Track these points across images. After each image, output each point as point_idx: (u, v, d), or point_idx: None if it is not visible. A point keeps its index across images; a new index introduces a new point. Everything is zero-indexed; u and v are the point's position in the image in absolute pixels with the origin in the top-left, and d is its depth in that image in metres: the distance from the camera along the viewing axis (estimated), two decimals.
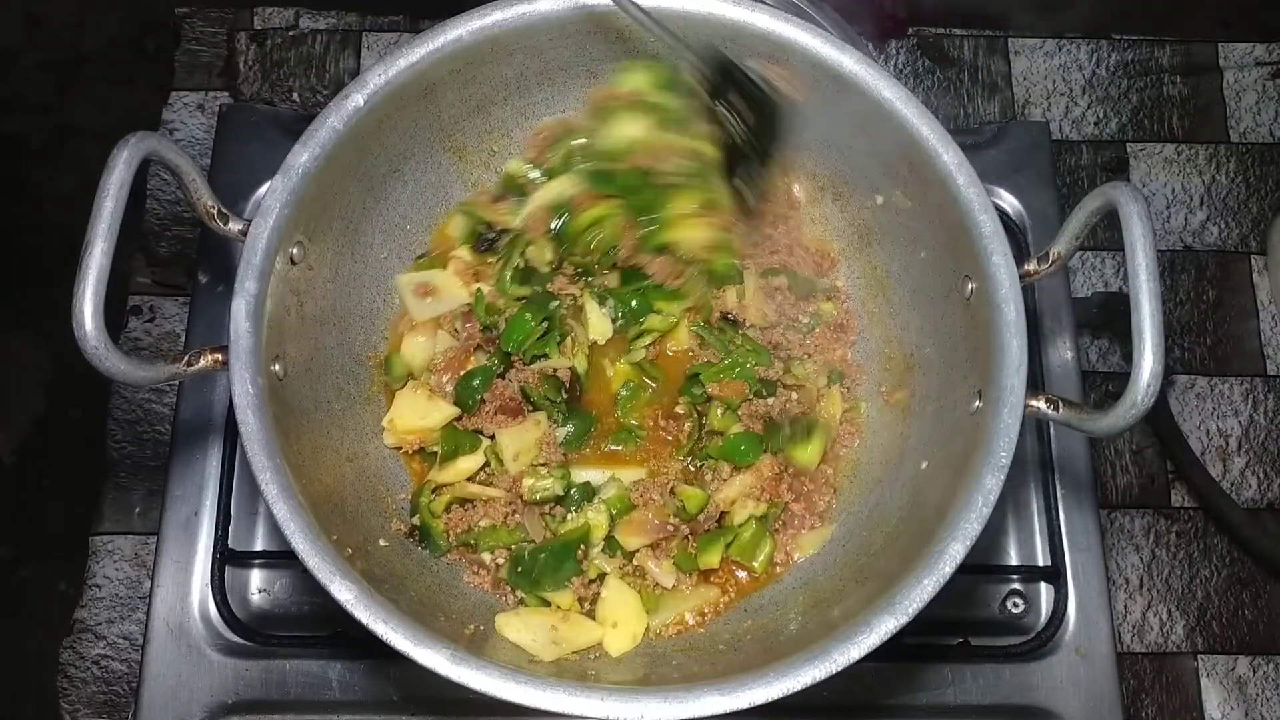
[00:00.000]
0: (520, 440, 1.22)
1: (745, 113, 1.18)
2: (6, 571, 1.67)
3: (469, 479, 1.23)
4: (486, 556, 1.22)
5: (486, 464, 1.24)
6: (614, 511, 1.21)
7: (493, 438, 1.24)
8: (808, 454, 1.25)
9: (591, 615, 1.18)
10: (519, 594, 1.20)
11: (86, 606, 1.50)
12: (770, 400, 1.28)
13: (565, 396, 1.25)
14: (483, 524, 1.22)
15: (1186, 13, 1.82)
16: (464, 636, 1.11)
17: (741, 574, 1.24)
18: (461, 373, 1.26)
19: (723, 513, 1.24)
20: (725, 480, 1.25)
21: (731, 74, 1.17)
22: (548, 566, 1.18)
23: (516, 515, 1.22)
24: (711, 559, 1.21)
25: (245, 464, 1.03)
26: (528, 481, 1.21)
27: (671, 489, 1.23)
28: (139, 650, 1.35)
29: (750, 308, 1.30)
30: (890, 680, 1.31)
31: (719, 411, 1.27)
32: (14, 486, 1.72)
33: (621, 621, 1.17)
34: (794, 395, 1.29)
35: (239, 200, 1.47)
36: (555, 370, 1.26)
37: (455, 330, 1.30)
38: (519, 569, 1.19)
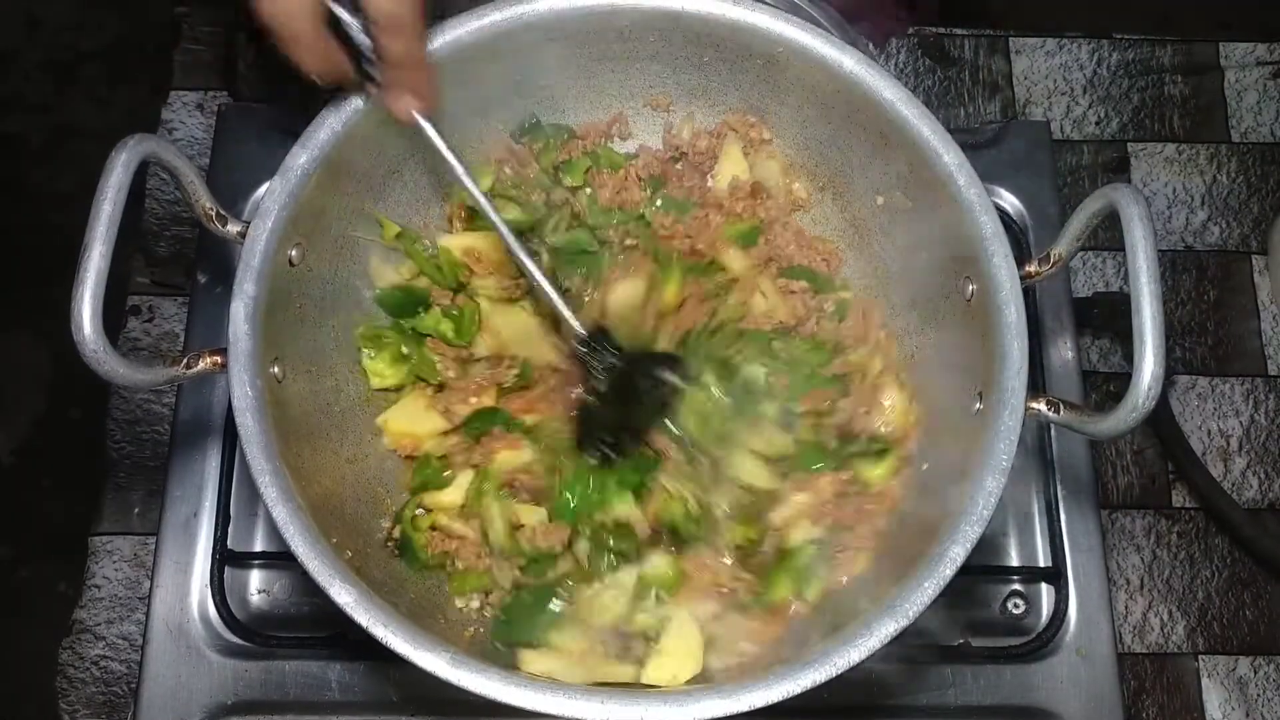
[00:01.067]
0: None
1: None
2: (6, 571, 1.67)
3: (453, 511, 1.20)
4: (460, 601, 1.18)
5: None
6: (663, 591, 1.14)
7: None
8: (877, 473, 1.20)
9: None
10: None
11: (86, 607, 1.50)
12: (844, 403, 1.24)
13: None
14: (458, 563, 1.17)
15: (1187, 12, 1.82)
16: (464, 639, 1.11)
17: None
18: (479, 405, 1.23)
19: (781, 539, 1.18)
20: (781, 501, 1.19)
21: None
22: (525, 613, 1.13)
23: (486, 559, 1.17)
24: (783, 591, 1.14)
25: (245, 465, 1.03)
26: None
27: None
28: (138, 651, 1.35)
29: (778, 309, 1.29)
30: (891, 681, 1.31)
31: (810, 426, 1.23)
32: (13, 486, 1.72)
33: (677, 664, 1.10)
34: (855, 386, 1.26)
35: (238, 201, 1.47)
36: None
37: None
38: (500, 619, 1.15)
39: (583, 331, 1.18)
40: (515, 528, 1.17)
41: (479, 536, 1.18)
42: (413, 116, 1.10)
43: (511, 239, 1.13)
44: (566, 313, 1.17)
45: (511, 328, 1.27)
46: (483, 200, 1.12)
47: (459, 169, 1.12)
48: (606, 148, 1.36)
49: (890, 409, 1.26)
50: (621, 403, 1.19)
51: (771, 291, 1.30)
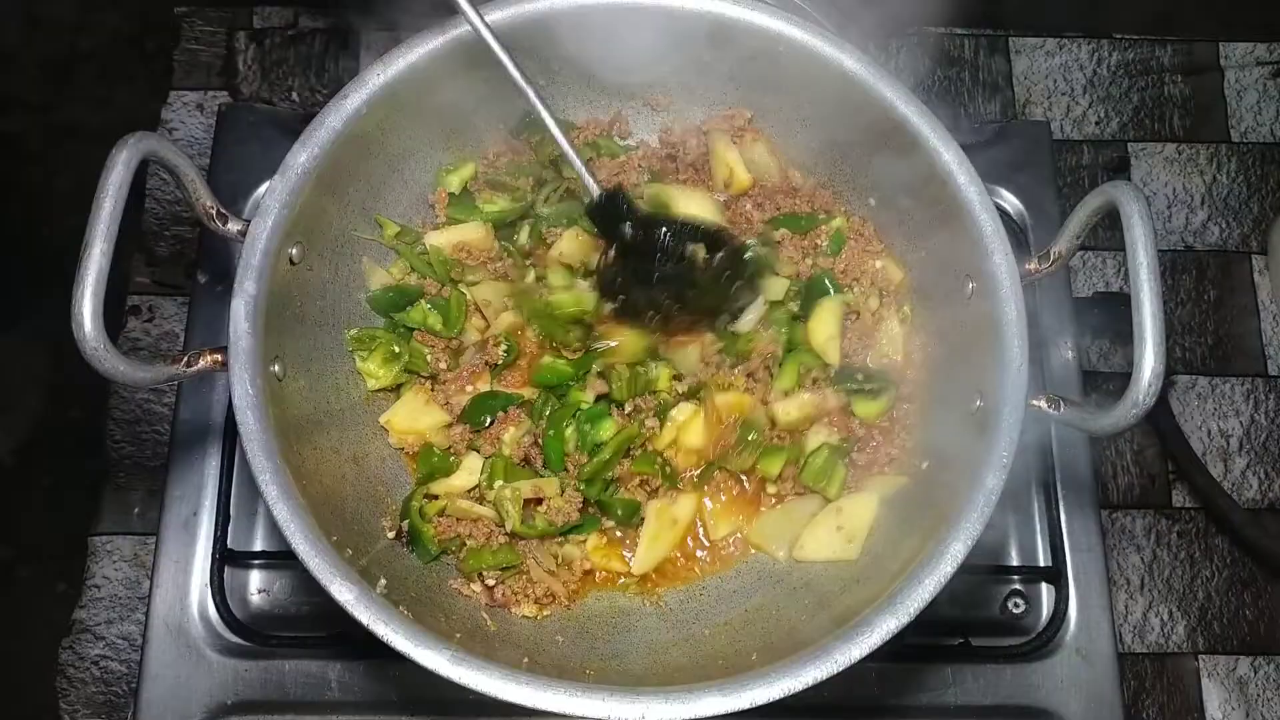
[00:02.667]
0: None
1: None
2: (6, 571, 1.66)
3: (465, 494, 1.22)
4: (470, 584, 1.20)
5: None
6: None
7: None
8: (873, 410, 1.25)
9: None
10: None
11: (86, 607, 1.50)
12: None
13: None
14: (469, 543, 1.20)
15: (1187, 12, 1.81)
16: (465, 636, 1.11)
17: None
18: (475, 392, 1.25)
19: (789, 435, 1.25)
20: (786, 395, 1.24)
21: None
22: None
23: (501, 538, 1.20)
24: (772, 468, 1.22)
25: (245, 464, 1.03)
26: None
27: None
28: (138, 650, 1.35)
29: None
30: (891, 680, 1.31)
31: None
32: (13, 486, 1.71)
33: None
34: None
35: (238, 200, 1.47)
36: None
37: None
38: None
39: (599, 191, 1.19)
40: (535, 503, 1.19)
41: (496, 516, 1.20)
42: None
43: (545, 112, 1.15)
44: (585, 174, 1.18)
45: (500, 292, 1.28)
46: (530, 94, 1.14)
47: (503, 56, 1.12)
48: (608, 139, 1.37)
49: (888, 343, 1.28)
50: (639, 272, 1.20)
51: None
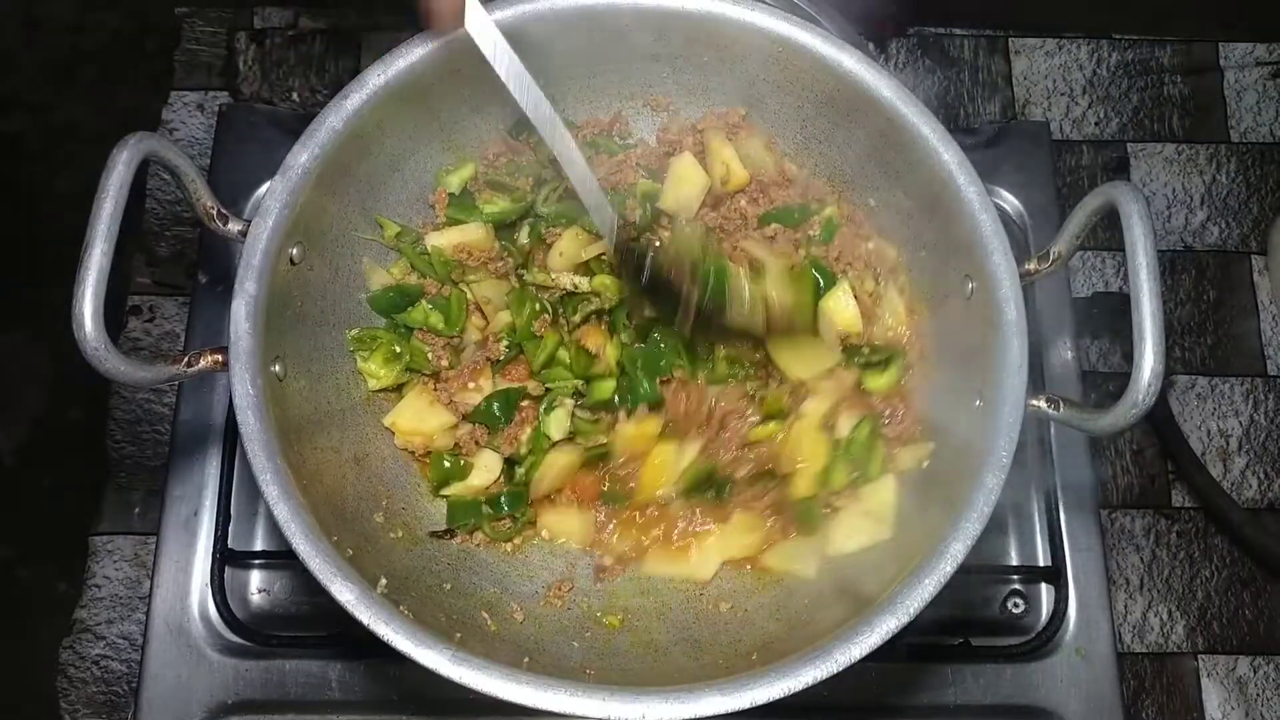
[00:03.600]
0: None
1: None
2: (6, 571, 1.67)
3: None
4: None
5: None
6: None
7: (511, 461, 1.24)
8: (882, 381, 1.25)
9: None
10: None
11: (86, 606, 1.50)
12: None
13: None
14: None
15: (1187, 12, 1.82)
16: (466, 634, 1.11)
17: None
18: (478, 389, 1.25)
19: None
20: (804, 397, 1.24)
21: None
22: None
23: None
24: (840, 479, 1.21)
25: (245, 464, 1.03)
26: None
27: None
28: (139, 650, 1.35)
29: (759, 259, 1.29)
30: (891, 680, 1.31)
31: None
32: (14, 486, 1.72)
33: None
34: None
35: (239, 200, 1.47)
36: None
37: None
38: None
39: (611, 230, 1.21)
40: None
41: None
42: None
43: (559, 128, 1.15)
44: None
45: (500, 290, 1.28)
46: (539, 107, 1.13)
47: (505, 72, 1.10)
48: (607, 138, 1.37)
49: (890, 316, 1.28)
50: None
51: (749, 244, 1.30)
